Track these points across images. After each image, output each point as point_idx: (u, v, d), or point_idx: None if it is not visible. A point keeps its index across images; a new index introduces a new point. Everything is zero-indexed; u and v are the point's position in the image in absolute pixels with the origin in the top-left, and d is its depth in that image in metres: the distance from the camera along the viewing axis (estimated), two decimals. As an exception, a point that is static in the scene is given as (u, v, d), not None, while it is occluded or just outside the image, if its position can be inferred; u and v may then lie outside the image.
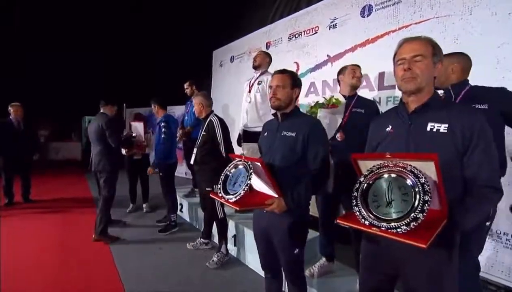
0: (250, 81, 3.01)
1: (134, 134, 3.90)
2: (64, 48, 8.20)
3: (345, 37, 3.29)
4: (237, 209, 1.34)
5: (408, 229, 0.87)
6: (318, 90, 3.60)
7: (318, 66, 3.63)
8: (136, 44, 7.81)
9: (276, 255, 1.55)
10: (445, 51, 1.19)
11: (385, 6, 2.93)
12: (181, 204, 3.99)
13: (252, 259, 2.66)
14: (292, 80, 1.57)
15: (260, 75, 2.96)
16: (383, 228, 0.91)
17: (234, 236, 2.88)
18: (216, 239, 2.94)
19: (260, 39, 4.50)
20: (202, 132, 2.70)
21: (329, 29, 3.49)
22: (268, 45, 4.35)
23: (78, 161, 9.26)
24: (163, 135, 3.31)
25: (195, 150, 2.76)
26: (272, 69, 3.61)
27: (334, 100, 2.13)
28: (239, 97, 3.84)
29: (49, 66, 8.46)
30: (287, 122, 1.56)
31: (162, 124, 3.37)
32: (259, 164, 1.36)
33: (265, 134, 1.69)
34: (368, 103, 2.22)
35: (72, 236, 3.35)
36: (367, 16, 3.09)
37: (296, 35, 3.92)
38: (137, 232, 3.50)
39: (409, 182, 0.93)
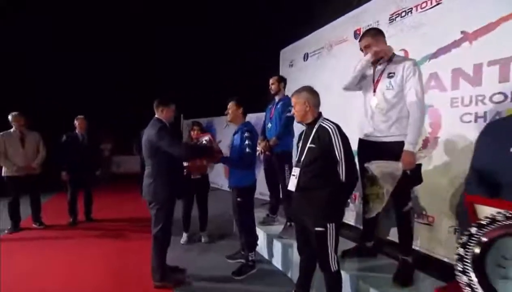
0: (374, 75, 2.13)
1: (205, 139, 3.25)
2: (122, 57, 8.06)
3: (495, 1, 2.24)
4: None
5: None
6: (444, 84, 2.57)
7: (443, 50, 2.60)
8: (195, 52, 7.44)
9: None
10: None
11: None
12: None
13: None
14: None
15: (389, 64, 2.06)
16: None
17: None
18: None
19: (345, 28, 3.63)
20: (308, 145, 1.85)
21: (464, -5, 2.47)
22: (357, 34, 3.45)
23: (138, 174, 9.30)
24: (247, 150, 2.51)
25: (296, 171, 1.90)
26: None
27: None
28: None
29: (110, 78, 8.49)
30: None
31: (246, 134, 2.55)
32: None
33: None
34: None
35: (130, 271, 2.80)
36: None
37: (403, 14, 2.96)
38: (204, 272, 2.77)
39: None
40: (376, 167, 1.84)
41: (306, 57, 4.32)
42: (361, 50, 2.25)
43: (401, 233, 2.11)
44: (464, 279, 0.61)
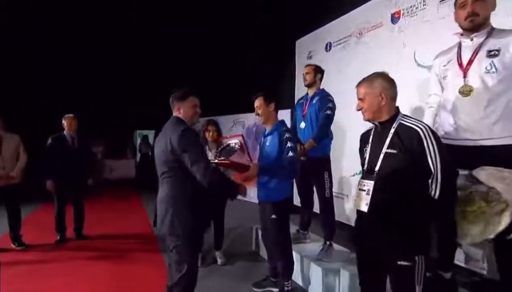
0: (459, 54, 1.61)
1: (235, 142, 2.43)
2: (110, 54, 7.53)
3: None
4: None
5: None
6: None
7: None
8: (197, 46, 6.82)
9: None
10: None
11: None
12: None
13: None
14: None
15: (488, 38, 1.53)
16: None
17: None
18: None
19: (379, 11, 3.16)
20: (386, 150, 1.37)
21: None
22: (395, 17, 2.99)
23: (133, 179, 8.63)
24: (290, 153, 1.94)
25: (368, 184, 1.39)
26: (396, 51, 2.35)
27: None
28: (347, 97, 2.70)
29: (100, 75, 7.89)
30: None
31: (287, 135, 1.98)
32: None
33: None
34: None
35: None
36: None
37: (460, -10, 2.50)
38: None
39: None
40: (488, 175, 1.36)
41: (329, 47, 3.84)
42: (460, 5, 1.58)
43: (504, 266, 1.58)
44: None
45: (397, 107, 1.44)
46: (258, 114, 2.14)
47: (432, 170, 1.26)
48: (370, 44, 3.25)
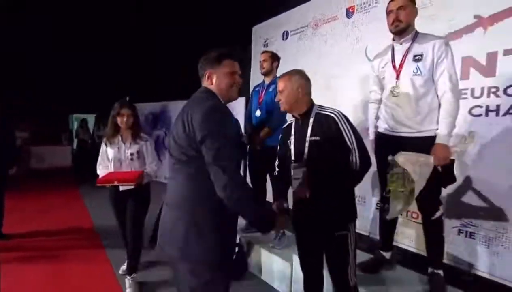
0: (393, 57, 1.80)
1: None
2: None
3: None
4: None
5: None
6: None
7: (452, 36, 2.38)
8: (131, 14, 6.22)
9: None
10: None
11: None
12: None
13: None
14: None
15: (413, 43, 1.74)
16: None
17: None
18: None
19: (334, 4, 3.22)
20: (309, 138, 1.51)
21: (481, -25, 2.24)
22: (350, 12, 3.07)
23: (68, 169, 7.69)
24: None
25: (299, 173, 1.49)
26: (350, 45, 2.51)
27: None
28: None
29: (24, 52, 6.92)
30: None
31: None
32: None
33: None
34: None
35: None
36: None
37: (407, -8, 2.65)
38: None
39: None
40: (404, 159, 1.57)
41: (285, 35, 3.81)
42: (388, 13, 1.83)
43: (431, 244, 1.83)
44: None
45: (312, 100, 1.61)
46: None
47: (350, 146, 1.47)
48: (326, 36, 3.30)
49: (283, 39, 3.85)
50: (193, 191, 1.14)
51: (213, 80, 1.24)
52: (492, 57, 2.18)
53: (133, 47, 6.69)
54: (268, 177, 2.59)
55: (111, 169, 2.28)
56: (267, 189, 2.71)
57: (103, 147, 2.33)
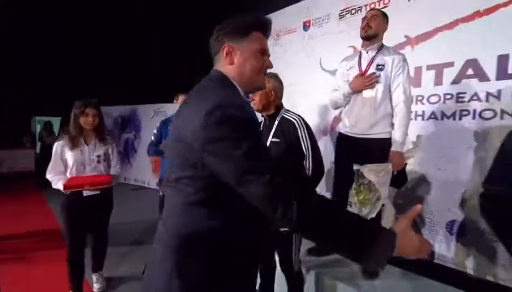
0: (359, 62, 1.99)
1: None
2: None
3: (436, 10, 2.47)
4: None
5: None
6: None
7: (389, 51, 2.77)
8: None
9: None
10: None
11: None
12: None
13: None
14: None
15: (377, 53, 1.93)
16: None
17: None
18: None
19: (294, 17, 3.54)
20: (271, 139, 1.65)
21: (409, 0, 2.65)
22: (306, 25, 3.41)
23: (31, 172, 7.36)
24: None
25: None
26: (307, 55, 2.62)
27: None
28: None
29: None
30: None
31: None
32: None
33: None
34: None
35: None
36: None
37: (353, 11, 3.03)
38: None
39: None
40: (368, 170, 1.75)
41: (250, 45, 4.08)
42: (363, 20, 1.99)
43: None
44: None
45: (282, 103, 1.75)
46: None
47: (305, 152, 1.59)
48: (286, 47, 3.62)
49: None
50: (187, 225, 0.80)
51: (233, 58, 0.87)
52: (418, 71, 2.59)
53: (102, 48, 6.61)
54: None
55: (73, 174, 2.07)
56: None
57: (57, 150, 2.07)
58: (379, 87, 1.89)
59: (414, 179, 2.52)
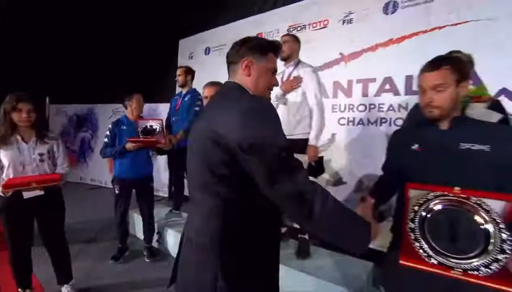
0: (282, 77, 2.35)
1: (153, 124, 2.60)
2: None
3: (363, 35, 2.95)
4: None
5: (490, 271, 0.79)
6: (328, 92, 3.18)
7: (327, 65, 3.21)
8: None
9: None
10: None
11: (414, 4, 2.69)
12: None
13: None
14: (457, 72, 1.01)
15: (295, 68, 2.31)
16: (459, 270, 0.81)
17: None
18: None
19: (248, 29, 3.84)
20: None
21: (343, 24, 3.11)
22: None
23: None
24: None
25: None
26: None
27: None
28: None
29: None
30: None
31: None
32: None
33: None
34: None
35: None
36: (391, 13, 2.81)
37: (299, 28, 3.43)
38: None
39: (477, 218, 0.83)
40: None
41: (207, 51, 4.31)
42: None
43: None
44: (417, 244, 0.85)
45: None
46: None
47: None
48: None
49: (205, 54, 4.34)
50: (223, 228, 0.88)
51: (251, 71, 0.97)
52: (350, 83, 3.06)
53: (60, 42, 6.28)
54: (185, 174, 3.02)
55: (9, 175, 1.88)
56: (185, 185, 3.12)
57: None
58: (295, 96, 2.24)
59: (343, 174, 3.00)
